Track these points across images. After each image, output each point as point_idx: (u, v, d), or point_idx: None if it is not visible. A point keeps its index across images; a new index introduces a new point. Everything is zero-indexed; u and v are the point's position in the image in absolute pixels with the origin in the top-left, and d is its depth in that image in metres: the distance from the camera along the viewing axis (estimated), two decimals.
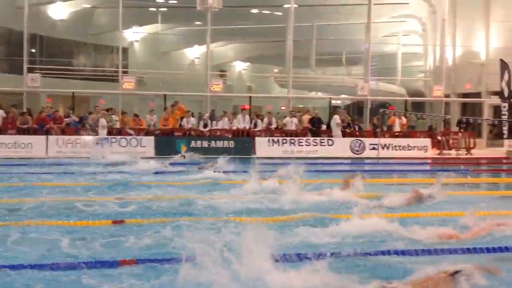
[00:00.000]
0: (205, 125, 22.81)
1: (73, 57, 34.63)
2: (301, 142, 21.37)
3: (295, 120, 23.71)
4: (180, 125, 22.72)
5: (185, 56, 42.15)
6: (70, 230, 7.40)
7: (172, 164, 15.84)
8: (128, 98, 27.67)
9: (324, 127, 24.19)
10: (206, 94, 26.31)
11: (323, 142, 21.43)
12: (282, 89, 36.53)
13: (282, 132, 23.00)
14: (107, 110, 23.45)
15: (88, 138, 20.60)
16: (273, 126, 23.74)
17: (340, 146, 21.26)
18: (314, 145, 21.32)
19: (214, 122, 23.31)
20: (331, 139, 21.80)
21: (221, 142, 21.09)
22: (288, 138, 21.51)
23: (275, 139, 21.50)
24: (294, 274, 4.92)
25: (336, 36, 37.61)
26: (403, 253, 6.22)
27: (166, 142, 20.80)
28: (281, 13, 33.55)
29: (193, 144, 20.72)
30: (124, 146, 20.40)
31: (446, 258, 5.86)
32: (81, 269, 5.48)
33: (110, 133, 21.45)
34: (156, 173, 14.18)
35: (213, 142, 20.93)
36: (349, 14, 33.43)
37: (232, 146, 20.54)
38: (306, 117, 25.24)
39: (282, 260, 5.33)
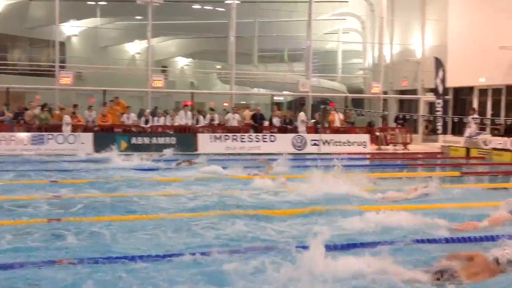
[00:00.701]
0: (146, 121, 22.48)
1: (7, 51, 33.30)
2: (244, 138, 21.42)
3: (237, 116, 23.74)
4: (121, 121, 22.31)
5: (125, 51, 41.32)
6: None
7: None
8: (66, 94, 26.86)
9: (266, 123, 24.34)
10: (147, 90, 25.93)
11: (265, 138, 21.56)
12: (225, 85, 36.45)
13: (225, 128, 22.99)
14: (42, 106, 22.77)
15: (23, 135, 19.98)
16: (216, 122, 23.70)
17: (282, 142, 21.42)
18: (257, 141, 21.41)
19: (155, 118, 23.02)
20: (273, 135, 21.97)
21: (163, 138, 20.85)
22: (230, 135, 21.51)
23: (218, 135, 21.46)
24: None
25: (278, 33, 37.85)
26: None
27: (106, 139, 20.37)
28: (223, 9, 33.44)
29: (133, 140, 20.40)
30: (61, 143, 19.87)
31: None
32: None
33: (46, 129, 20.86)
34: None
35: (154, 138, 20.65)
36: (291, 11, 33.70)
37: (174, 143, 20.33)
38: (248, 113, 25.34)
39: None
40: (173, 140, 20.54)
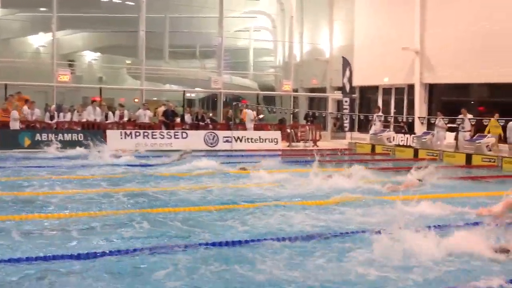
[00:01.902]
0: (52, 117, 21.50)
1: None
2: (155, 135, 21.04)
3: (148, 112, 23.31)
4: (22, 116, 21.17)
5: (29, 44, 39.36)
6: None
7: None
8: None
9: (178, 119, 24.07)
10: (52, 85, 24.84)
11: (177, 135, 21.30)
12: (135, 81, 35.66)
13: (135, 125, 22.49)
14: None
15: None
16: (126, 118, 23.13)
17: (194, 139, 21.26)
18: (168, 138, 21.09)
19: (61, 114, 22.08)
20: (185, 132, 21.75)
21: (69, 135, 20.02)
22: (141, 131, 21.04)
23: (128, 131, 20.92)
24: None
25: (190, 29, 37.59)
26: None
27: (8, 135, 19.27)
28: (133, 3, 32.70)
29: (38, 137, 19.41)
30: None
31: None
32: None
33: None
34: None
35: (60, 135, 19.78)
36: (202, 7, 33.57)
37: (82, 139, 19.60)
38: (160, 110, 24.96)
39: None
40: (80, 137, 19.78)
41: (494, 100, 22.63)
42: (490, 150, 18.35)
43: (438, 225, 7.61)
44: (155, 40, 34.61)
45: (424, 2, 24.06)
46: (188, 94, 38.04)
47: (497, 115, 18.71)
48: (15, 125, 19.83)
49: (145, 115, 22.97)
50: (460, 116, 19.87)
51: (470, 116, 19.75)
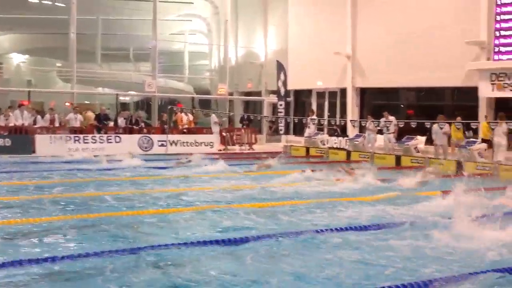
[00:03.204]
0: None
1: None
2: (87, 139, 20.49)
3: (79, 116, 22.67)
4: None
5: None
6: None
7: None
8: None
9: (111, 123, 23.56)
10: None
11: (110, 139, 20.83)
12: (66, 84, 34.66)
13: (66, 129, 21.81)
14: None
15: None
16: (56, 123, 22.39)
17: (128, 143, 20.86)
18: (101, 142, 20.60)
19: None
20: (118, 136, 21.30)
21: None
22: (72, 135, 20.43)
23: (58, 136, 20.26)
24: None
25: (123, 32, 36.93)
26: None
27: None
28: (64, 5, 31.77)
29: None
30: None
31: None
32: None
33: None
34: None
35: None
36: (135, 9, 33.06)
37: (9, 145, 18.86)
38: (91, 114, 24.36)
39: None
40: (7, 142, 19.01)
41: (421, 103, 23.52)
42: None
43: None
44: (87, 42, 33.80)
45: (354, 9, 24.69)
46: (121, 98, 37.37)
47: (458, 118, 18.91)
48: None
49: (76, 119, 22.33)
50: (383, 119, 20.41)
51: (392, 118, 20.35)
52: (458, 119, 18.43)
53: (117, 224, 7.94)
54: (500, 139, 16.64)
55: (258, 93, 32.03)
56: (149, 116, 31.23)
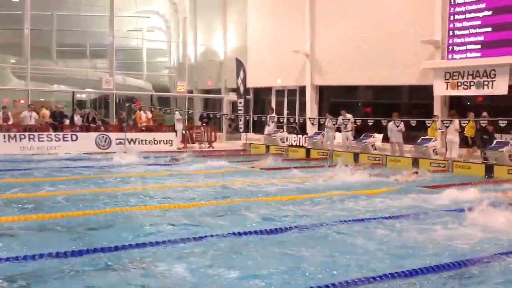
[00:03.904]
0: None
1: None
2: (42, 138, 20.02)
3: (34, 114, 22.12)
4: None
5: None
6: None
7: None
8: None
9: (67, 121, 23.09)
10: None
11: (66, 138, 20.40)
12: (20, 81, 33.73)
13: (20, 127, 21.25)
14: None
15: None
16: (10, 121, 21.78)
17: (85, 142, 20.49)
18: (57, 141, 20.15)
19: None
20: (75, 134, 20.88)
21: None
22: (26, 134, 19.92)
23: (12, 134, 19.73)
24: None
25: (79, 28, 36.22)
26: None
27: None
28: (17, 0, 30.94)
29: None
30: None
31: None
32: None
33: None
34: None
35: None
36: (91, 5, 32.47)
37: None
38: (46, 112, 23.82)
39: None
40: None
41: (379, 101, 23.92)
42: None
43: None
44: (42, 39, 33.02)
45: (313, 8, 24.89)
46: (78, 95, 36.66)
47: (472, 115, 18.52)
48: None
49: (31, 117, 21.79)
50: (340, 117, 20.68)
51: (349, 116, 20.63)
52: (472, 115, 17.56)
53: (69, 224, 7.81)
54: (452, 137, 17.07)
55: (218, 91, 31.94)
56: (107, 114, 30.74)
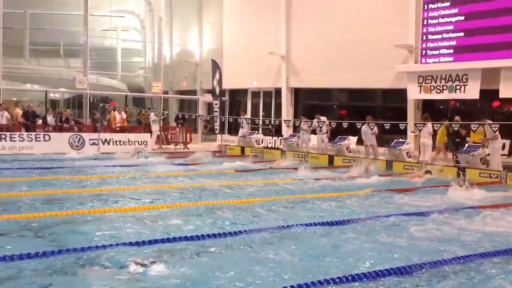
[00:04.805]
0: None
1: None
2: (14, 138, 19.67)
3: (6, 113, 21.75)
4: None
5: None
6: None
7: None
8: None
9: (40, 121, 22.76)
10: None
11: (38, 138, 20.09)
12: None
13: None
14: None
15: None
16: None
17: (57, 142, 20.21)
18: (29, 141, 19.83)
19: None
20: (47, 135, 20.59)
21: None
22: None
23: None
24: None
25: (53, 26, 35.70)
26: None
27: None
28: None
29: None
30: None
31: None
32: None
33: None
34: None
35: None
36: (65, 4, 32.05)
37: None
38: (19, 111, 23.46)
39: None
40: None
41: (353, 104, 24.14)
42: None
43: None
44: (14, 37, 32.46)
45: (289, 10, 25.00)
46: (51, 95, 36.18)
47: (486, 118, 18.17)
48: None
49: (3, 116, 21.42)
50: (315, 119, 20.76)
51: (324, 118, 20.75)
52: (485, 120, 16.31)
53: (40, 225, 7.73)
54: (425, 140, 17.31)
55: (193, 92, 31.84)
56: (81, 114, 30.39)
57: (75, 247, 6.40)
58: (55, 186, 11.47)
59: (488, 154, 15.69)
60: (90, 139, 20.99)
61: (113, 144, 21.39)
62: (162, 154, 20.16)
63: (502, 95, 17.19)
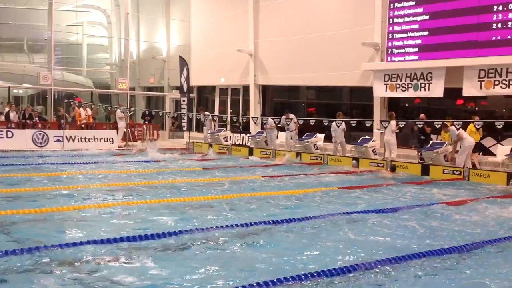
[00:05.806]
0: None
1: None
2: None
3: None
4: None
5: None
6: None
7: None
8: None
9: (2, 118, 22.25)
10: None
11: (1, 134, 19.64)
12: None
13: None
14: None
15: None
16: None
17: (20, 139, 19.79)
18: None
19: None
20: (10, 131, 20.14)
21: None
22: None
23: None
24: None
25: (16, 21, 34.89)
26: None
27: None
28: None
29: None
30: None
31: None
32: None
33: None
34: None
35: None
36: None
37: None
38: None
39: None
40: None
41: (321, 102, 24.29)
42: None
43: None
44: None
45: (257, 7, 24.99)
46: (14, 91, 35.46)
47: (477, 117, 17.59)
48: None
49: None
50: (283, 117, 20.75)
51: (292, 116, 20.79)
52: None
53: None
54: (389, 137, 17.50)
55: (161, 89, 31.58)
56: (45, 111, 29.82)
57: (38, 246, 6.28)
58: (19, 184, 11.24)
59: (457, 151, 15.88)
60: (54, 136, 20.61)
61: (78, 141, 21.06)
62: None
63: (465, 93, 17.52)
